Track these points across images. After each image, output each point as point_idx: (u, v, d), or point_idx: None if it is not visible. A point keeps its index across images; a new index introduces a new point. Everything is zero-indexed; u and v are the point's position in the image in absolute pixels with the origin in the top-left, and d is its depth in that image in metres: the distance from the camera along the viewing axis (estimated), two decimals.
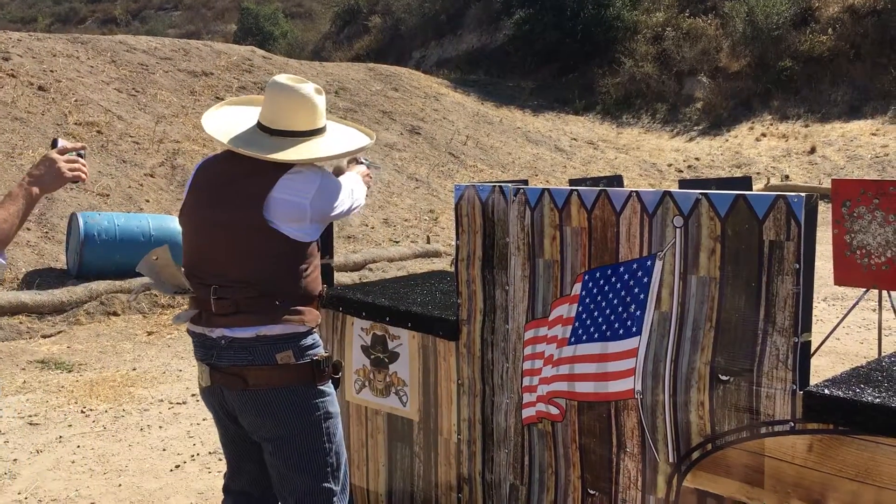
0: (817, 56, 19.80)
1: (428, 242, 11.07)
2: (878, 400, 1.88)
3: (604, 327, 2.40)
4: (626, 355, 2.34)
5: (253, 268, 2.29)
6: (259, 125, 2.42)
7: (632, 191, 2.34)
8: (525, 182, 7.36)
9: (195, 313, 2.37)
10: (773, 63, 20.21)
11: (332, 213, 2.42)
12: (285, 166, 2.33)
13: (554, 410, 2.51)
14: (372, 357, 3.06)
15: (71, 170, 2.11)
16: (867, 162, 16.51)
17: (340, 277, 8.60)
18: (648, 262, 2.31)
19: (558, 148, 17.94)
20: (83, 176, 2.15)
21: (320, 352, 2.40)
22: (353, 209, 2.54)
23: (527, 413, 2.59)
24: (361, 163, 2.87)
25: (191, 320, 2.39)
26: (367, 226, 11.36)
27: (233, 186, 2.34)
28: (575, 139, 18.91)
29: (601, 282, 2.42)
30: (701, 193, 2.20)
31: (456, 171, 14.68)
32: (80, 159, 2.15)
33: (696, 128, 20.07)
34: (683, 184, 8.56)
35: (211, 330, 2.34)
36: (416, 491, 2.98)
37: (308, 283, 2.37)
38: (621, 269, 2.37)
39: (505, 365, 2.66)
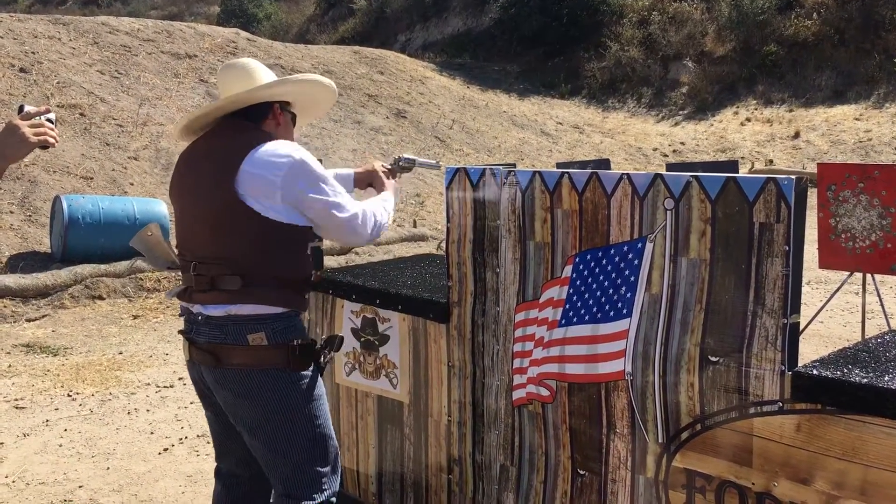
0: (802, 41, 19.89)
1: (414, 226, 11.07)
2: (865, 380, 1.91)
3: (594, 309, 2.41)
4: (616, 337, 2.35)
5: (225, 244, 2.28)
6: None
7: (623, 173, 2.35)
8: (513, 166, 7.36)
9: (183, 289, 2.39)
10: (758, 48, 20.28)
11: (308, 197, 2.29)
12: (259, 141, 2.31)
13: (544, 392, 2.53)
14: (362, 340, 3.07)
15: (37, 134, 2.00)
16: (850, 147, 16.63)
17: (327, 261, 8.59)
18: (639, 245, 2.32)
19: (544, 132, 17.94)
20: (52, 140, 2.02)
21: (302, 336, 2.35)
22: (350, 215, 2.37)
23: (517, 395, 2.61)
24: (401, 165, 2.95)
25: (178, 295, 2.41)
26: None
27: (209, 161, 2.34)
28: (561, 123, 18.92)
29: (592, 264, 2.43)
30: (692, 176, 2.21)
31: (442, 156, 14.65)
32: (47, 123, 2.03)
33: (681, 112, 20.13)
34: (670, 167, 8.58)
35: (192, 306, 2.36)
36: (406, 472, 3.00)
37: (286, 265, 2.31)
38: (612, 251, 2.38)
39: (495, 347, 2.67)
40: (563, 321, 2.48)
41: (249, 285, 2.25)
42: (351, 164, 12.85)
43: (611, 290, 2.37)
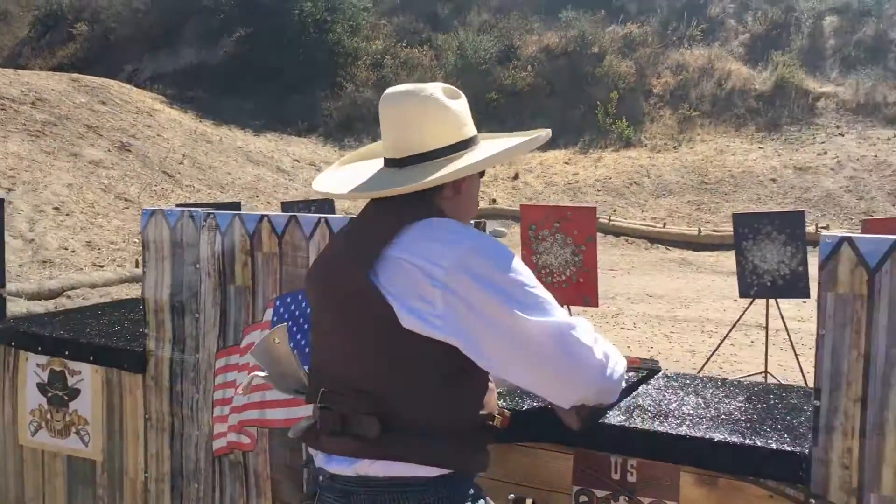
0: (519, 90, 21.64)
1: (136, 266, 10.44)
2: (535, 408, 2.07)
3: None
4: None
5: (361, 367, 1.57)
6: (384, 161, 1.72)
7: (321, 217, 2.39)
8: (238, 204, 7.23)
9: (310, 425, 1.67)
10: (481, 95, 21.72)
11: (499, 301, 1.48)
12: (420, 216, 1.59)
13: (245, 440, 2.47)
14: (49, 395, 2.81)
15: None
16: (561, 188, 18.26)
17: (34, 307, 7.83)
18: None
19: (280, 169, 17.82)
20: None
21: None
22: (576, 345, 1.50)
23: (218, 444, 2.52)
24: None
25: (302, 435, 1.69)
26: (66, 249, 10.45)
27: (347, 241, 1.68)
28: (297, 160, 18.91)
29: (292, 307, 2.42)
30: None
31: (170, 191, 14.02)
32: None
33: None
34: None
35: (316, 454, 1.65)
36: None
37: (448, 407, 1.55)
38: None
39: (195, 396, 2.57)
40: None
41: (391, 431, 1.51)
42: (67, 200, 11.90)
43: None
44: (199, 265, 2.55)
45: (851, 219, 14.83)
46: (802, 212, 6.31)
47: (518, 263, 1.55)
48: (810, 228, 14.12)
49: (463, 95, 1.71)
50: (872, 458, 1.68)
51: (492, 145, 1.72)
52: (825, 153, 17.71)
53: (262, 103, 22.51)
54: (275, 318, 2.45)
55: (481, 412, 1.60)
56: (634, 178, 17.99)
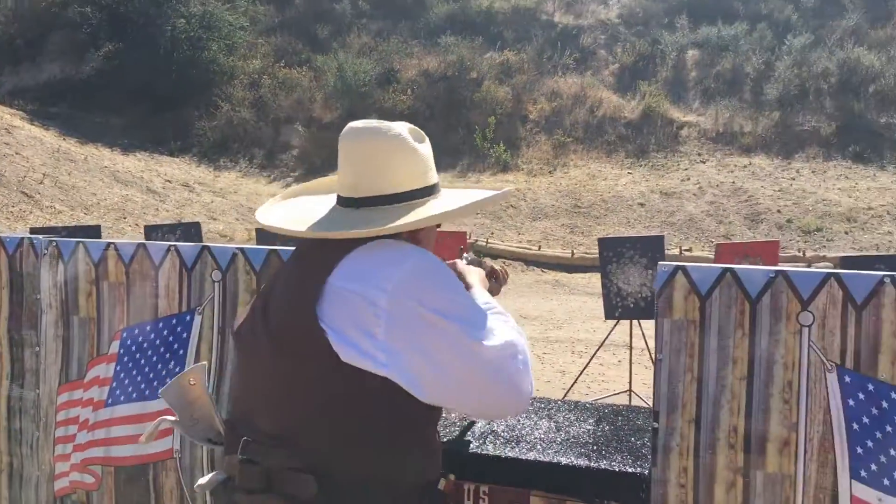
0: (399, 113, 21.71)
1: None
2: None
3: (142, 386, 2.31)
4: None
5: (294, 415, 1.40)
6: (339, 200, 1.59)
7: (171, 245, 2.31)
8: (98, 228, 6.91)
9: (223, 480, 1.47)
10: (361, 117, 21.36)
11: (446, 325, 1.37)
12: (356, 241, 1.47)
13: (89, 479, 2.34)
14: None
15: None
16: None
17: None
18: (188, 317, 2.28)
19: (150, 189, 17.19)
20: None
21: None
22: (507, 348, 1.42)
23: (59, 484, 2.39)
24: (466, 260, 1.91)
25: (214, 491, 1.48)
26: None
27: (289, 276, 1.53)
28: (169, 181, 18.30)
29: (140, 338, 2.33)
30: (238, 248, 2.25)
31: (29, 213, 13.27)
32: None
33: (292, 174, 20.69)
34: (260, 232, 8.70)
35: None
36: None
37: (390, 465, 1.41)
38: (160, 324, 2.31)
39: (35, 434, 2.42)
40: (110, 400, 2.34)
41: (327, 492, 1.35)
42: None
43: (159, 366, 2.30)
44: (40, 295, 2.42)
45: (712, 241, 15.64)
46: (662, 236, 6.61)
47: (460, 283, 1.51)
48: (674, 251, 14.83)
49: (427, 139, 1.61)
50: (706, 477, 1.76)
51: (455, 196, 1.63)
52: (688, 179, 18.65)
53: (132, 121, 21.70)
54: (121, 350, 2.35)
55: (426, 474, 1.47)
56: (511, 202, 18.38)
